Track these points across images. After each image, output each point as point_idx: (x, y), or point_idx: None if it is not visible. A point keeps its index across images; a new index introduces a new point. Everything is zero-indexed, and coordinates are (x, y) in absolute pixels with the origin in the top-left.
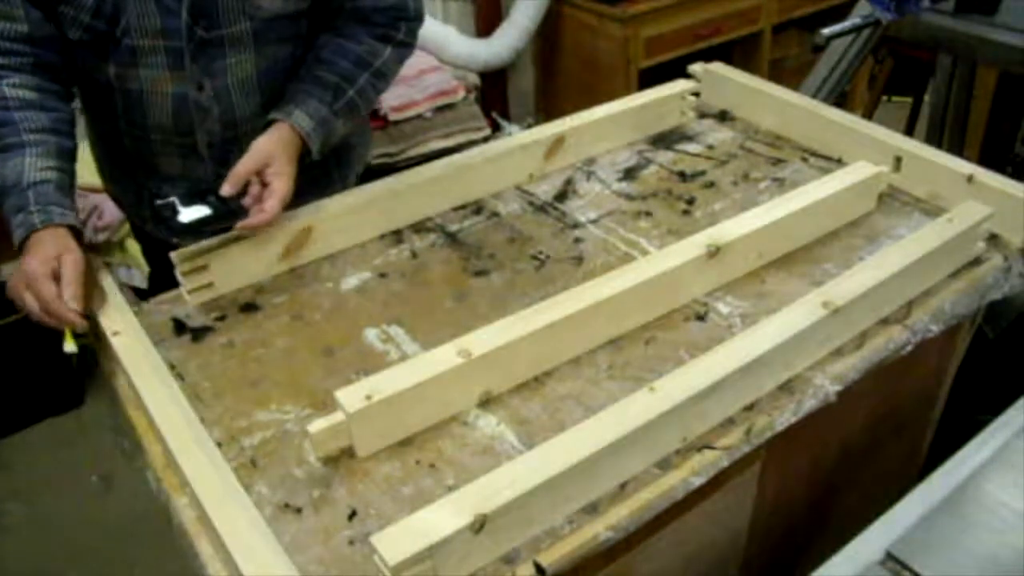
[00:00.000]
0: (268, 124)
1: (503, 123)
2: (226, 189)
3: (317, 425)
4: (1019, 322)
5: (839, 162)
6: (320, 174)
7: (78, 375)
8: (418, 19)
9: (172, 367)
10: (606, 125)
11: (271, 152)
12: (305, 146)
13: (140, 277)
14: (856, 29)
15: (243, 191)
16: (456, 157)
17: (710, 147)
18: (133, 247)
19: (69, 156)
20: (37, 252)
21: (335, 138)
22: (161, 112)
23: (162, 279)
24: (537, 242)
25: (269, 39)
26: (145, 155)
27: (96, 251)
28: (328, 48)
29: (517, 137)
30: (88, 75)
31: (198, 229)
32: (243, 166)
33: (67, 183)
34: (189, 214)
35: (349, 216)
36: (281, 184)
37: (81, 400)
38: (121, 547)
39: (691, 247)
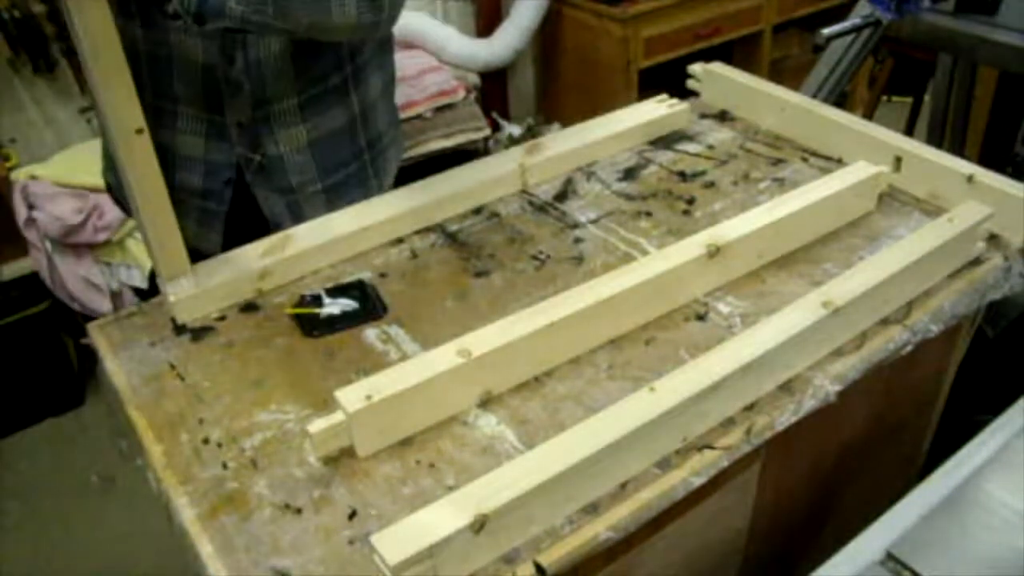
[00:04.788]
0: None
1: (503, 123)
2: None
3: (317, 425)
4: (1019, 322)
5: (839, 162)
6: (361, 178)
7: (78, 375)
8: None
9: (172, 367)
10: (607, 143)
11: None
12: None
13: (140, 277)
14: (856, 29)
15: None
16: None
17: (710, 147)
18: (133, 247)
19: None
20: None
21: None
22: (190, 85)
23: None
24: (537, 242)
25: None
26: (166, 134)
27: (96, 251)
28: None
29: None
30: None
31: (332, 325)
32: None
33: None
34: (334, 306)
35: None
36: None
37: (81, 400)
38: (121, 547)
39: (691, 247)
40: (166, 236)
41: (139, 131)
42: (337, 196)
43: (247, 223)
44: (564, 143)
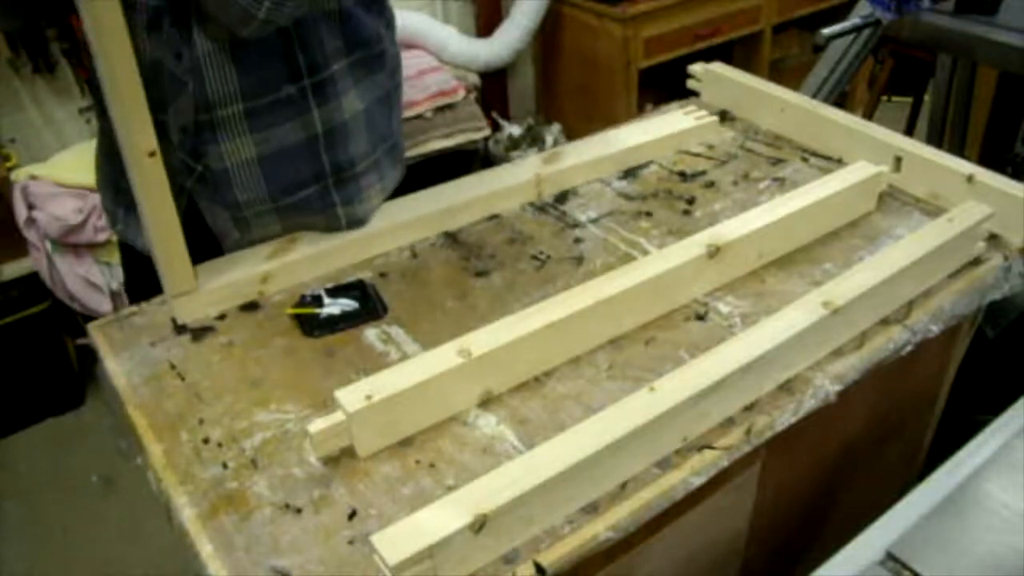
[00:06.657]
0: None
1: (503, 123)
2: None
3: (317, 425)
4: (1019, 322)
5: (839, 162)
6: (323, 204)
7: (78, 375)
8: None
9: (172, 367)
10: (629, 154)
11: None
12: None
13: None
14: (856, 29)
15: (378, 301)
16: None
17: (710, 147)
18: None
19: None
20: None
21: None
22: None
23: (139, 289)
24: (537, 242)
25: None
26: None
27: (96, 251)
28: None
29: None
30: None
31: (332, 325)
32: None
33: None
34: (334, 306)
35: None
36: None
37: (81, 400)
38: (121, 547)
39: (691, 247)
40: (175, 255)
41: (151, 154)
42: (292, 216)
43: (203, 235)
44: (585, 153)
